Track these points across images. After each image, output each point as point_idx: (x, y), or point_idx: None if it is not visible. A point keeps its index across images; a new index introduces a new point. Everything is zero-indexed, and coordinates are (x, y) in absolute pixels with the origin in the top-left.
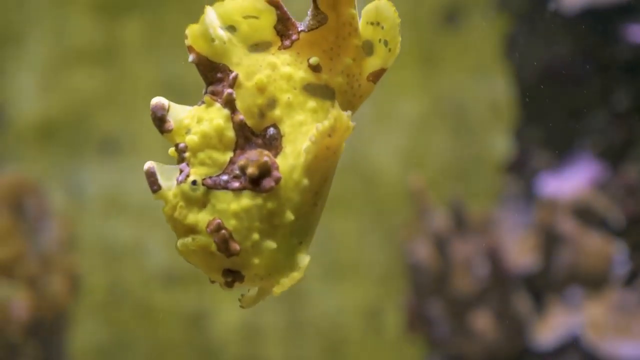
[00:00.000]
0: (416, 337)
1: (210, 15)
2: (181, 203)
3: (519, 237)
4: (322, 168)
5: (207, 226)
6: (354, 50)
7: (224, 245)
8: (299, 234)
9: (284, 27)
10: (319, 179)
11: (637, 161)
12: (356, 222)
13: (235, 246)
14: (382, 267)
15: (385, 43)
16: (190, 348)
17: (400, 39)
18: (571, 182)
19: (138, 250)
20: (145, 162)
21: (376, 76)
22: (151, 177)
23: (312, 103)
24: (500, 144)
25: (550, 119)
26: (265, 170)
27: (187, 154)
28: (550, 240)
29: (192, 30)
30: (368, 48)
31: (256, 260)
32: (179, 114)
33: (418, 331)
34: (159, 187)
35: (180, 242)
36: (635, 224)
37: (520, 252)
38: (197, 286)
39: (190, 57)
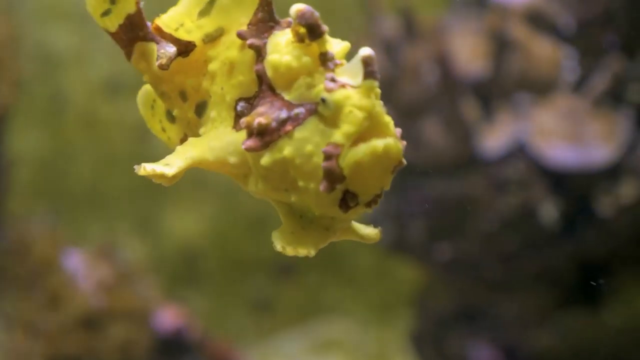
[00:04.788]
0: None
1: None
2: (378, 102)
3: (469, 43)
4: None
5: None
6: None
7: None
8: None
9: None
10: None
11: None
12: None
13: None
14: None
15: None
16: (135, 160)
17: None
18: None
19: (80, 59)
20: None
21: None
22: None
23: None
24: None
25: None
26: None
27: (338, 61)
28: (500, 46)
29: None
30: None
31: None
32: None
33: None
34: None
35: (383, 142)
36: (586, 30)
37: (470, 59)
38: None
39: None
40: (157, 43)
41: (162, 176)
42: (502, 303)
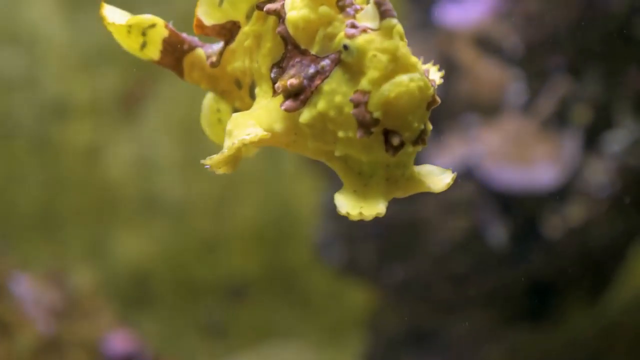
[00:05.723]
0: (315, 169)
1: None
2: (403, 42)
3: None
4: None
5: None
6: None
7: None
8: None
9: None
10: None
11: None
12: None
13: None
14: None
15: None
16: (86, 183)
17: None
18: (472, 10)
19: (29, 82)
20: None
21: None
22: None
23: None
24: None
25: None
26: None
27: (358, 6)
28: (448, 69)
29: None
30: None
31: None
32: None
33: (316, 163)
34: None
35: (408, 76)
36: (533, 52)
37: None
38: (92, 119)
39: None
40: (202, 47)
41: (248, 143)
42: (453, 323)
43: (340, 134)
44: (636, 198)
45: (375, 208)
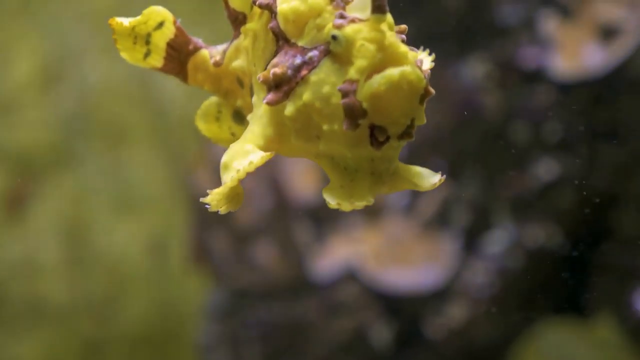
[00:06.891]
0: (201, 270)
1: None
2: (391, 32)
3: (302, 170)
4: None
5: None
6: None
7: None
8: None
9: None
10: None
11: None
12: (142, 154)
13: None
14: (168, 199)
15: None
16: None
17: None
18: None
19: None
20: None
21: None
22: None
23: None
24: None
25: None
26: None
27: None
28: None
29: None
30: None
31: None
32: None
33: (202, 264)
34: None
35: (399, 70)
36: (415, 155)
37: (303, 185)
38: None
39: None
40: (206, 48)
41: (245, 173)
42: None
43: (325, 126)
44: (515, 298)
45: (364, 197)
